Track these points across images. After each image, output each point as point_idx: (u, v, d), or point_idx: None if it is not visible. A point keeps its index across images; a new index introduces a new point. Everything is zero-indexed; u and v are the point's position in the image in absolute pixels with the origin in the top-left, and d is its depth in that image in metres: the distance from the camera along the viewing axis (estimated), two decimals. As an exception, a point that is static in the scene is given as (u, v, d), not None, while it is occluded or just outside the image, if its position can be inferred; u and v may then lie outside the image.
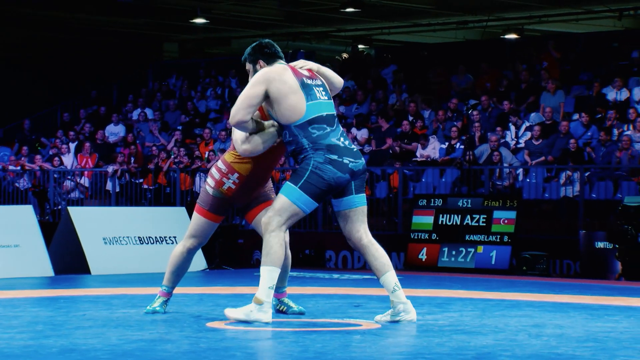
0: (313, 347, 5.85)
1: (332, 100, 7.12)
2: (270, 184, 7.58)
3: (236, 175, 7.29)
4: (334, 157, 6.87)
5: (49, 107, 25.82)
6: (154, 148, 20.98)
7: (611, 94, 18.59)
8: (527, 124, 18.35)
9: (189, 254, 7.54)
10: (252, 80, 6.97)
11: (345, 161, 6.90)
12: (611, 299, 9.84)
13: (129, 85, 26.27)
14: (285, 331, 6.64)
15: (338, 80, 7.29)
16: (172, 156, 20.00)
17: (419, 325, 7.02)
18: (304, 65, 7.21)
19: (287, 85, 6.90)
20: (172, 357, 5.50)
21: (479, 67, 21.37)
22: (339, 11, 23.61)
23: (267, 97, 6.94)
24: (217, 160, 7.56)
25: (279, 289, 7.59)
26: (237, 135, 7.10)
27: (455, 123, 18.85)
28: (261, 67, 7.10)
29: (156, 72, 26.81)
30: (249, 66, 7.19)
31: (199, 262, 13.96)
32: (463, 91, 20.89)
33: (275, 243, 6.87)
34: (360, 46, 26.14)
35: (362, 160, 7.05)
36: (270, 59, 7.11)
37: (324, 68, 7.29)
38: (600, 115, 18.02)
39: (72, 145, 22.15)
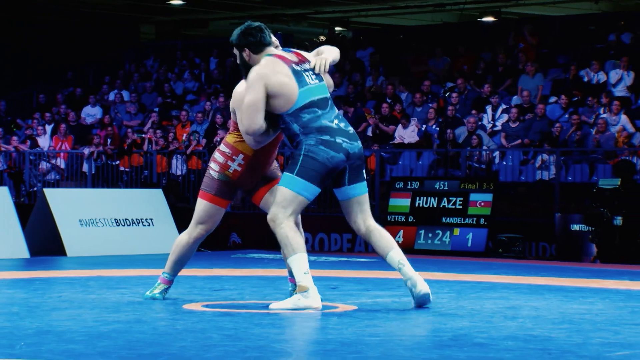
0: (289, 329, 5.86)
1: (324, 82, 6.94)
2: (275, 163, 7.39)
3: (241, 156, 7.11)
4: (326, 137, 6.73)
5: (25, 89, 25.68)
6: (130, 130, 20.91)
7: (588, 77, 18.64)
8: (503, 106, 18.39)
9: (195, 244, 7.34)
10: (248, 84, 6.78)
11: (339, 140, 6.75)
12: (586, 281, 9.89)
13: (106, 67, 26.15)
14: (261, 313, 6.64)
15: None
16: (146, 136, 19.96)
17: (395, 308, 7.04)
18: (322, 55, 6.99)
19: (280, 81, 6.74)
20: (149, 339, 5.49)
21: (456, 50, 21.39)
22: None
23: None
24: (217, 147, 7.37)
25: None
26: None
27: (430, 105, 18.87)
28: (247, 56, 6.87)
29: (133, 53, 26.70)
30: (234, 51, 6.98)
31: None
32: (440, 74, 20.91)
33: (288, 231, 6.73)
34: (337, 28, 26.12)
35: (358, 144, 6.86)
36: (257, 48, 6.86)
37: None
38: (577, 99, 18.08)
39: (49, 127, 22.05)
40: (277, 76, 6.74)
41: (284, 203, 6.74)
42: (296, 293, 6.74)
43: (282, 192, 6.76)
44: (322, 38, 26.27)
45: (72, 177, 20.24)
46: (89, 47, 26.81)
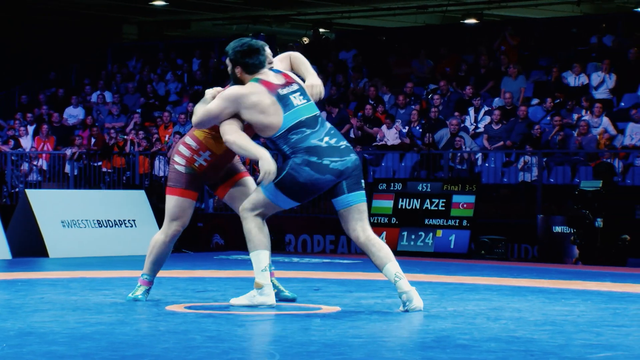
0: (273, 331, 5.86)
1: (312, 101, 6.97)
2: (237, 157, 7.43)
3: (208, 152, 7.14)
4: (313, 159, 6.74)
5: (7, 89, 25.58)
6: (112, 131, 20.87)
7: (570, 79, 18.71)
8: (486, 108, 18.44)
9: (171, 242, 7.33)
10: (221, 96, 6.85)
11: (325, 162, 6.75)
12: (568, 282, 9.92)
13: (88, 68, 26.09)
14: (244, 314, 6.64)
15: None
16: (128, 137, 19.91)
17: (379, 309, 7.05)
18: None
19: (259, 109, 6.78)
20: (131, 340, 5.48)
21: (439, 51, 21.43)
22: (300, -6, 23.59)
23: (238, 116, 6.83)
24: (180, 141, 7.35)
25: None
26: (226, 129, 6.88)
27: (413, 107, 18.90)
28: (239, 74, 6.92)
29: (115, 54, 26.64)
30: (227, 62, 7.01)
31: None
32: (423, 76, 20.94)
33: (253, 227, 6.88)
34: (320, 30, 26.12)
35: (351, 157, 6.84)
36: (251, 70, 6.89)
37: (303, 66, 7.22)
38: (559, 100, 18.14)
39: (31, 128, 21.98)
40: (251, 107, 6.77)
41: (257, 204, 6.87)
42: (253, 289, 6.85)
43: (259, 194, 6.87)
44: (305, 40, 26.27)
45: (54, 178, 20.19)
46: (71, 48, 26.73)
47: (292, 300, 7.43)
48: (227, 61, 6.99)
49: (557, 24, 22.70)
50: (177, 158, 7.22)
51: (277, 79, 6.91)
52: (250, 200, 6.90)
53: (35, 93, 24.63)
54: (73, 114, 22.73)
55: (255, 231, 6.87)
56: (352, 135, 18.97)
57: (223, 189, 7.39)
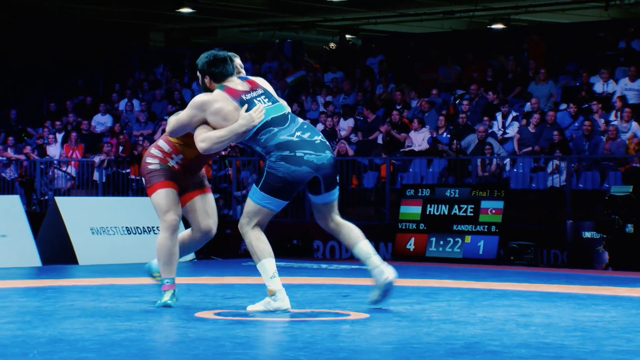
0: (302, 337, 5.86)
1: (279, 101, 7.30)
2: (203, 171, 7.72)
3: (181, 156, 7.46)
4: (286, 153, 7.03)
5: (35, 97, 25.73)
6: (140, 138, 20.94)
7: (598, 85, 18.62)
8: (513, 114, 18.38)
9: (174, 236, 7.40)
10: (190, 105, 7.22)
11: (299, 154, 7.03)
12: (598, 288, 9.87)
13: (115, 75, 26.20)
14: (274, 321, 6.64)
15: None
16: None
17: (407, 315, 7.04)
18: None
19: (222, 115, 7.13)
20: (161, 347, 5.50)
21: (466, 57, 21.38)
22: (326, 1, 23.58)
23: (205, 122, 7.17)
24: (152, 145, 7.59)
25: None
26: (197, 133, 7.20)
27: (440, 113, 18.87)
28: (208, 82, 7.30)
29: (142, 61, 26.74)
30: (198, 73, 7.41)
31: (186, 252, 13.94)
32: (449, 82, 20.90)
33: (253, 239, 7.12)
34: (347, 36, 26.13)
35: (327, 154, 7.13)
36: (218, 78, 7.27)
37: None
38: (586, 105, 18.06)
39: (59, 136, 22.10)
40: (215, 114, 7.14)
41: (250, 214, 7.15)
42: (267, 296, 7.06)
43: (248, 204, 7.18)
44: (332, 45, 26.29)
45: (83, 186, 20.27)
46: (98, 55, 26.86)
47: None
48: (198, 72, 7.39)
49: (585, 28, 22.60)
50: (149, 159, 7.50)
51: (242, 86, 7.27)
52: (244, 214, 7.17)
53: (63, 101, 24.76)
54: (101, 121, 22.83)
55: (256, 242, 7.12)
56: (379, 141, 18.95)
57: (185, 198, 7.60)
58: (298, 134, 7.10)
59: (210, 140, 7.11)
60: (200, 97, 7.23)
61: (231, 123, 7.10)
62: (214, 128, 7.14)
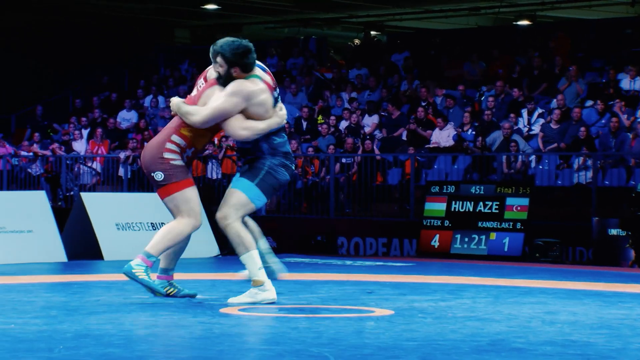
0: (327, 333, 5.85)
1: None
2: None
3: (192, 149, 7.39)
4: (288, 162, 7.33)
5: (61, 94, 25.84)
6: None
7: (625, 81, 18.52)
8: (539, 110, 18.31)
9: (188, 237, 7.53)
10: (231, 91, 7.11)
11: (291, 165, 7.38)
12: (624, 286, 9.82)
13: (140, 71, 26.28)
14: (298, 317, 6.65)
15: None
16: None
17: (432, 312, 7.02)
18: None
19: (265, 107, 7.17)
20: (186, 343, 5.51)
21: (491, 53, 21.31)
22: (351, -3, 23.57)
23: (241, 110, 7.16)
24: (163, 139, 7.34)
25: (168, 271, 7.67)
26: (236, 120, 7.13)
27: (466, 109, 18.82)
28: (236, 73, 7.18)
29: (167, 58, 26.80)
30: (221, 62, 7.22)
31: (211, 248, 13.97)
32: (475, 78, 20.84)
33: (240, 230, 7.22)
34: (372, 32, 26.09)
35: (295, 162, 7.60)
36: (248, 69, 7.21)
37: None
38: (612, 103, 17.97)
39: (85, 132, 22.19)
40: (259, 105, 7.15)
41: (237, 206, 7.22)
42: (252, 287, 7.21)
43: (239, 196, 7.23)
44: (357, 42, 26.26)
45: (108, 182, 20.34)
46: (123, 52, 26.94)
47: (192, 296, 7.62)
48: (221, 61, 7.20)
49: (611, 25, 22.48)
50: (168, 155, 7.27)
51: (271, 81, 7.33)
52: (231, 205, 7.18)
53: (88, 97, 24.85)
54: (126, 117, 22.90)
55: (244, 233, 7.21)
56: (404, 137, 18.92)
57: None
58: (289, 146, 7.45)
59: (253, 131, 7.13)
60: (247, 87, 7.14)
61: (268, 117, 7.14)
62: (248, 117, 7.13)
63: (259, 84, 7.16)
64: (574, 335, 5.92)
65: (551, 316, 6.87)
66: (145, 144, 7.65)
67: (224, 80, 7.23)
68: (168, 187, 7.34)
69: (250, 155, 7.30)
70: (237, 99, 7.10)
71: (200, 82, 7.48)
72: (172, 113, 7.42)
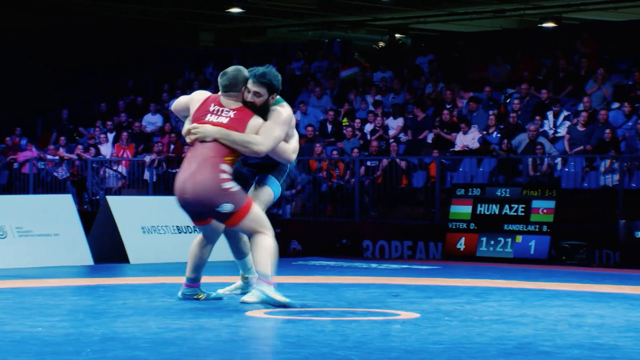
0: (353, 337, 5.85)
1: None
2: None
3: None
4: (289, 177, 7.85)
5: (87, 97, 25.96)
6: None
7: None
8: (565, 113, 18.24)
9: None
10: (284, 120, 7.43)
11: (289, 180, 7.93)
12: (652, 289, 9.76)
13: (165, 75, 26.36)
14: (324, 320, 6.64)
15: None
16: None
17: (458, 315, 7.00)
18: None
19: (294, 129, 7.70)
20: (213, 346, 5.51)
21: (516, 56, 21.25)
22: (375, 0, 23.55)
23: None
24: (213, 171, 7.32)
25: (195, 280, 7.83)
26: (287, 146, 7.51)
27: (491, 112, 18.77)
28: (272, 99, 7.45)
29: (192, 61, 26.88)
30: (263, 91, 7.37)
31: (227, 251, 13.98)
32: (500, 81, 20.79)
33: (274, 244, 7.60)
34: (396, 35, 26.07)
35: None
36: (278, 94, 7.56)
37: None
38: (639, 105, 17.88)
39: (110, 135, 22.28)
40: (294, 124, 7.70)
41: (267, 202, 7.68)
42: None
43: (269, 193, 7.68)
44: (381, 44, 26.25)
45: (134, 185, 20.42)
46: (149, 55, 27.04)
47: (219, 299, 7.83)
48: (263, 90, 7.38)
49: (637, 26, 22.37)
50: (227, 184, 7.29)
51: None
52: (262, 201, 7.56)
53: (114, 101, 24.95)
54: (151, 121, 22.98)
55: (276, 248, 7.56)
56: (429, 140, 18.89)
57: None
58: None
59: (296, 151, 7.62)
60: (290, 113, 7.54)
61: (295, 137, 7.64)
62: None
63: (290, 109, 7.57)
64: (601, 338, 5.89)
65: (578, 319, 6.84)
66: (182, 180, 7.57)
67: (261, 107, 7.39)
68: (239, 213, 7.35)
69: (270, 161, 7.63)
70: (285, 127, 7.45)
71: (214, 107, 7.42)
72: (198, 138, 7.36)
